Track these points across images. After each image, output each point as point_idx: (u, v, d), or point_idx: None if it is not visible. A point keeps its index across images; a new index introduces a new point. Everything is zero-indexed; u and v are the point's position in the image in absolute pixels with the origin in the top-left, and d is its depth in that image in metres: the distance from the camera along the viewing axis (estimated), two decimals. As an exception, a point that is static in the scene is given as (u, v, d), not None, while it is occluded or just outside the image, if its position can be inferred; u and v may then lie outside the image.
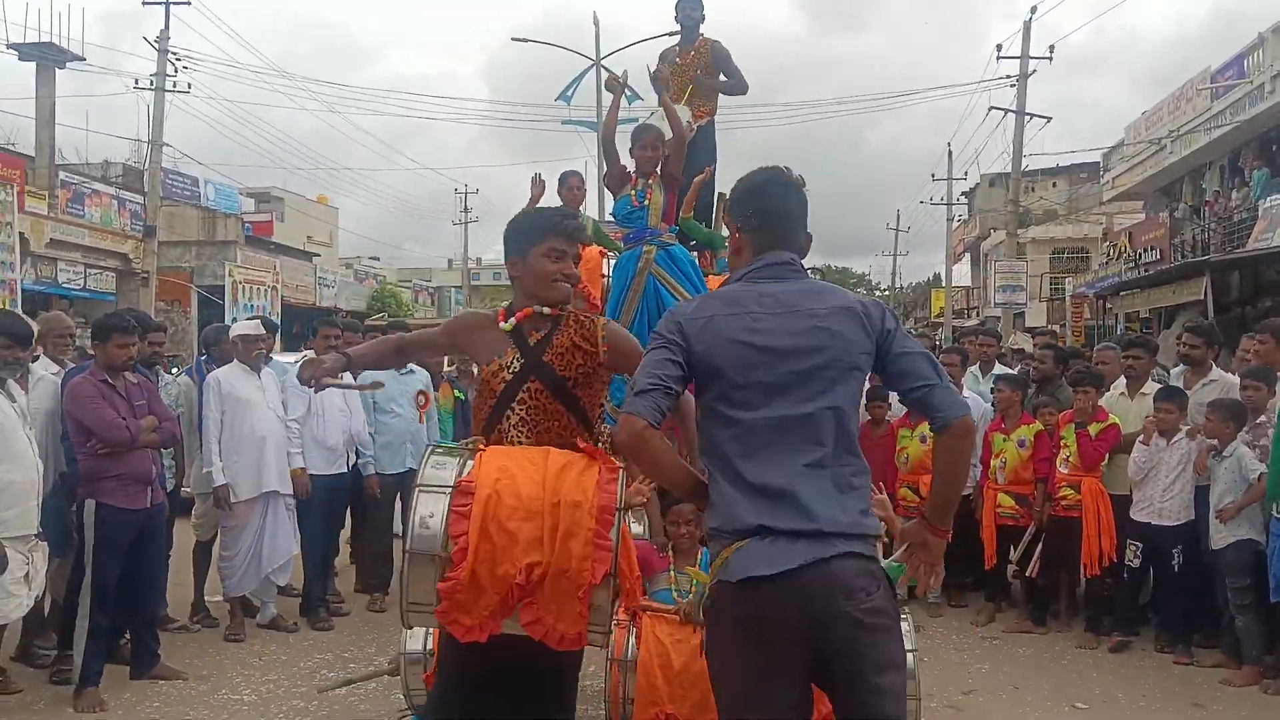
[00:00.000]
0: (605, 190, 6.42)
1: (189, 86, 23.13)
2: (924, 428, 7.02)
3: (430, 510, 2.65)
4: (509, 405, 3.03)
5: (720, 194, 6.58)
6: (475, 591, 2.63)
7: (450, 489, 2.67)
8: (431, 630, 3.93)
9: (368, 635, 6.48)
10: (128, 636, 5.59)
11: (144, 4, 22.52)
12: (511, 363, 3.05)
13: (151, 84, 22.53)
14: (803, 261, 2.73)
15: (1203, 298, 16.67)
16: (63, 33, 22.08)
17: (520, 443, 2.99)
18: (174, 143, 25.78)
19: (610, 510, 2.67)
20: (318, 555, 6.78)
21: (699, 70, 6.39)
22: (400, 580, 2.70)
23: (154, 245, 22.73)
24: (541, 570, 2.62)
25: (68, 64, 22.28)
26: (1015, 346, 14.08)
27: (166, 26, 22.45)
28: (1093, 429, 6.38)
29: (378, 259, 47.31)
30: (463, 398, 7.92)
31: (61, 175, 22.79)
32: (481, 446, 2.86)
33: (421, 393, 7.30)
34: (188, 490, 6.74)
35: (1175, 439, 5.95)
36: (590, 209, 6.71)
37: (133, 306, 16.66)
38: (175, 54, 22.66)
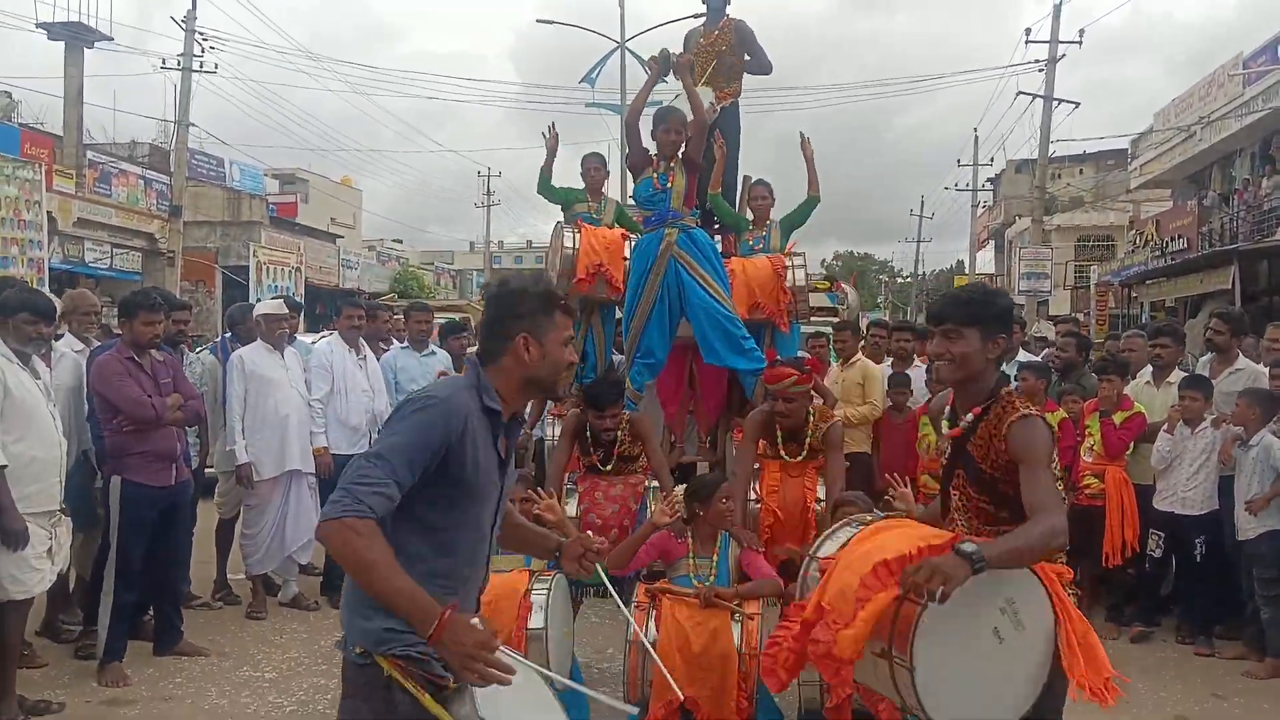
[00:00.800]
0: (627, 173, 6.39)
1: (215, 67, 23.25)
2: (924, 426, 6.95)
3: (813, 578, 3.02)
4: (948, 492, 3.03)
5: (745, 177, 6.55)
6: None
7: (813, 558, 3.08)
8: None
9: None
10: (151, 613, 5.65)
11: (170, -16, 22.60)
12: (946, 449, 3.04)
13: (179, 64, 22.63)
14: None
15: (1230, 287, 16.49)
16: (91, 12, 22.22)
17: (961, 526, 2.94)
18: (200, 123, 25.78)
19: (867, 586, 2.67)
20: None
21: (724, 48, 6.36)
22: None
23: (179, 225, 22.86)
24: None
25: (96, 43, 22.37)
26: (1039, 335, 13.97)
27: (194, 6, 22.53)
28: (1118, 418, 6.32)
29: (400, 241, 47.44)
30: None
31: (89, 155, 22.91)
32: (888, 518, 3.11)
33: (442, 373, 7.32)
34: (211, 468, 6.79)
35: (1200, 428, 5.89)
36: (612, 191, 6.68)
37: (158, 286, 16.79)
38: (202, 34, 22.75)
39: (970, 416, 2.90)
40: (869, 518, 3.04)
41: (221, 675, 5.26)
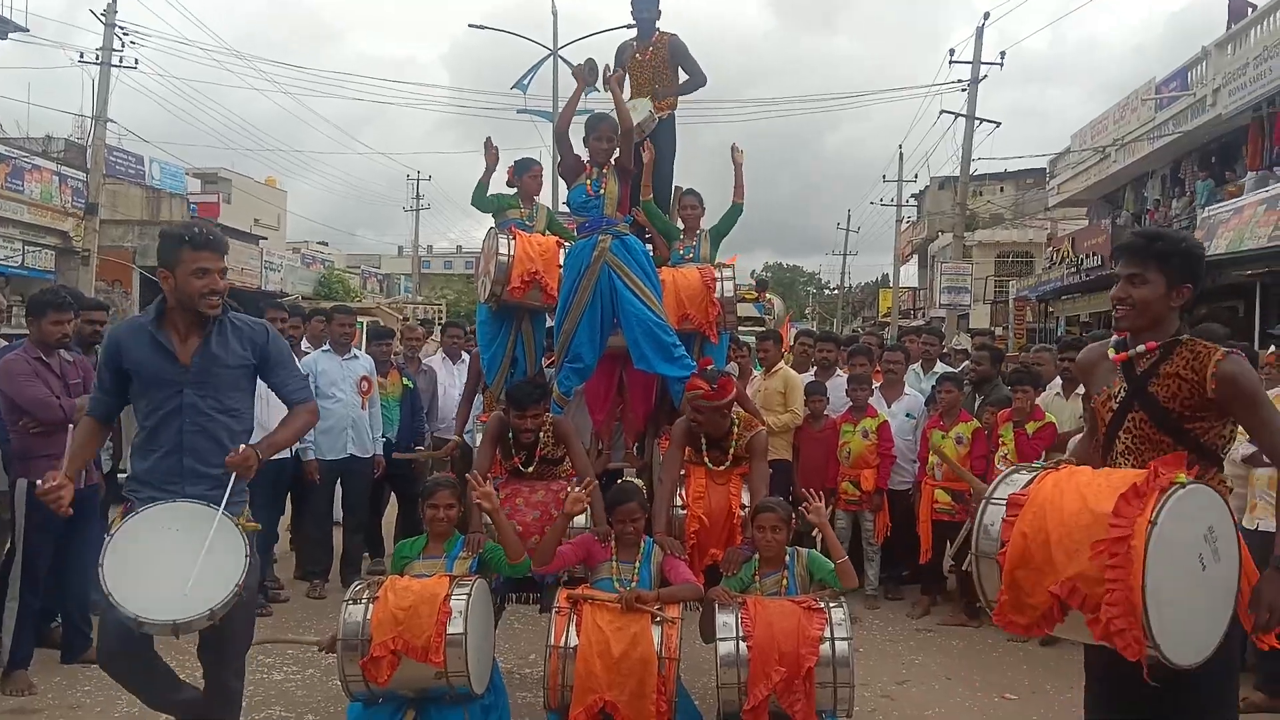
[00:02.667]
0: (559, 181, 6.39)
1: (135, 62, 22.66)
2: (866, 423, 7.13)
3: (993, 519, 2.89)
4: (1115, 435, 3.00)
5: (677, 187, 6.61)
6: (1020, 594, 2.75)
7: (1004, 502, 2.87)
8: (368, 616, 3.91)
9: (306, 621, 6.43)
10: (59, 620, 5.49)
11: (90, -25, 22.00)
12: (1118, 391, 3.01)
13: (97, 58, 22.02)
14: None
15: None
16: (6, 2, 21.50)
17: (1126, 468, 2.92)
18: (122, 121, 25.18)
19: (1122, 516, 2.61)
20: (258, 541, 6.68)
21: (659, 63, 6.41)
22: (974, 579, 2.94)
23: (95, 223, 22.24)
24: (1076, 582, 2.64)
25: (10, 34, 21.68)
26: (959, 347, 14.31)
27: (114, 0, 21.97)
28: (1030, 427, 6.52)
29: (326, 244, 46.72)
30: (411, 385, 7.86)
31: (1, 149, 22.19)
32: (1059, 467, 2.94)
33: (364, 378, 7.24)
34: (125, 472, 6.61)
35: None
36: (545, 198, 6.67)
37: (70, 285, 16.30)
38: (123, 28, 22.19)
39: (1143, 348, 2.94)
40: (1039, 465, 3.01)
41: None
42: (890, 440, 7.14)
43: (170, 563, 3.22)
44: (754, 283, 15.23)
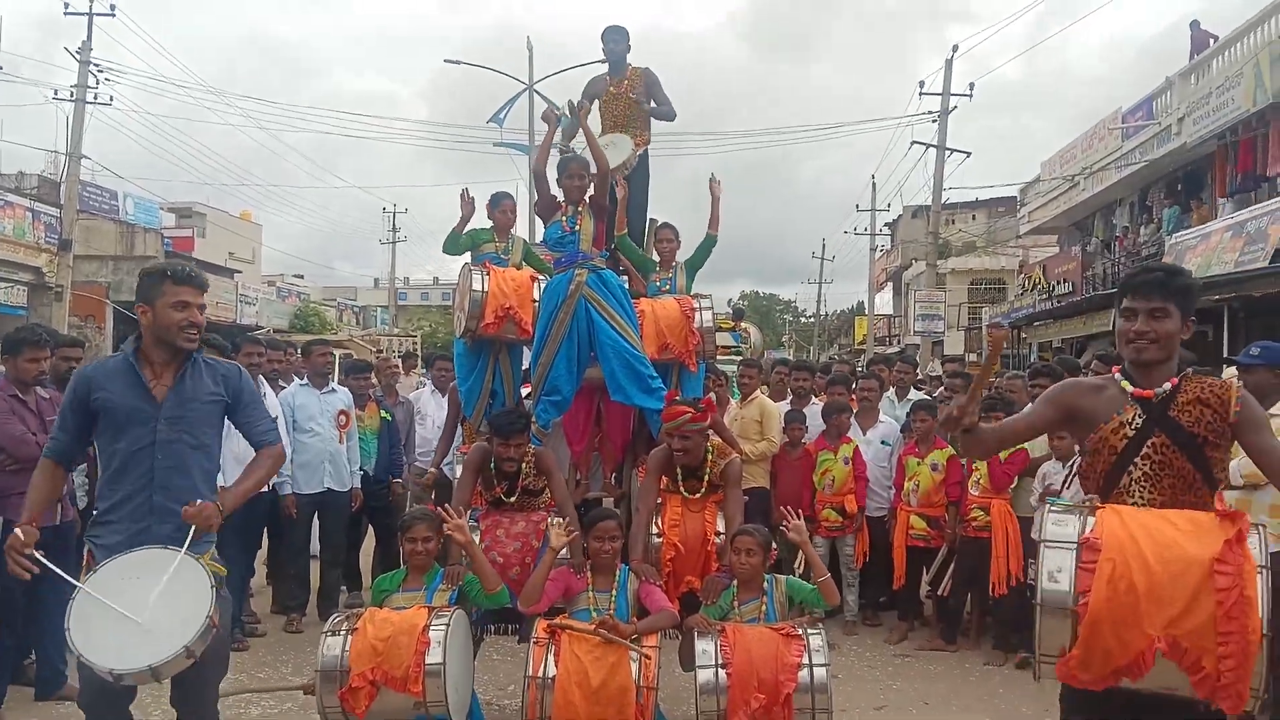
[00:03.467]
0: (537, 218, 6.48)
1: (110, 99, 22.65)
2: (846, 449, 7.18)
3: (1058, 565, 2.69)
4: (1130, 461, 2.99)
5: (652, 220, 6.70)
6: (1097, 648, 2.62)
7: (1075, 545, 2.70)
8: (347, 647, 3.92)
9: (284, 655, 6.39)
10: (33, 657, 5.44)
11: (66, 14, 22.05)
12: (1133, 419, 3.00)
13: (72, 95, 22.01)
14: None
15: (1111, 329, 17.27)
16: (-23, 39, 21.49)
17: (1141, 497, 2.95)
18: (96, 156, 25.16)
19: (1228, 562, 2.57)
20: (234, 575, 6.64)
21: (633, 96, 6.52)
22: (1035, 632, 2.72)
23: (69, 259, 22.10)
24: (1179, 634, 2.55)
25: (-19, 71, 21.67)
26: (934, 374, 14.44)
27: (89, 37, 22.00)
28: (1002, 453, 6.59)
29: (302, 276, 46.63)
30: (389, 419, 7.87)
31: (-29, 185, 22.09)
32: (1098, 504, 2.87)
33: (342, 412, 7.24)
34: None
35: (1071, 462, 6.18)
36: (521, 231, 6.75)
37: (43, 322, 16.20)
38: (97, 65, 22.19)
39: (1169, 386, 2.98)
40: (1066, 501, 3.05)
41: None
42: (863, 463, 7.22)
43: (137, 610, 3.21)
44: (730, 312, 15.31)
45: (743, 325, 14.63)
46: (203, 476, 3.53)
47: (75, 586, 3.26)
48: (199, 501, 3.42)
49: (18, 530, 3.37)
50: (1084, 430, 3.10)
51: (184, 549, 3.32)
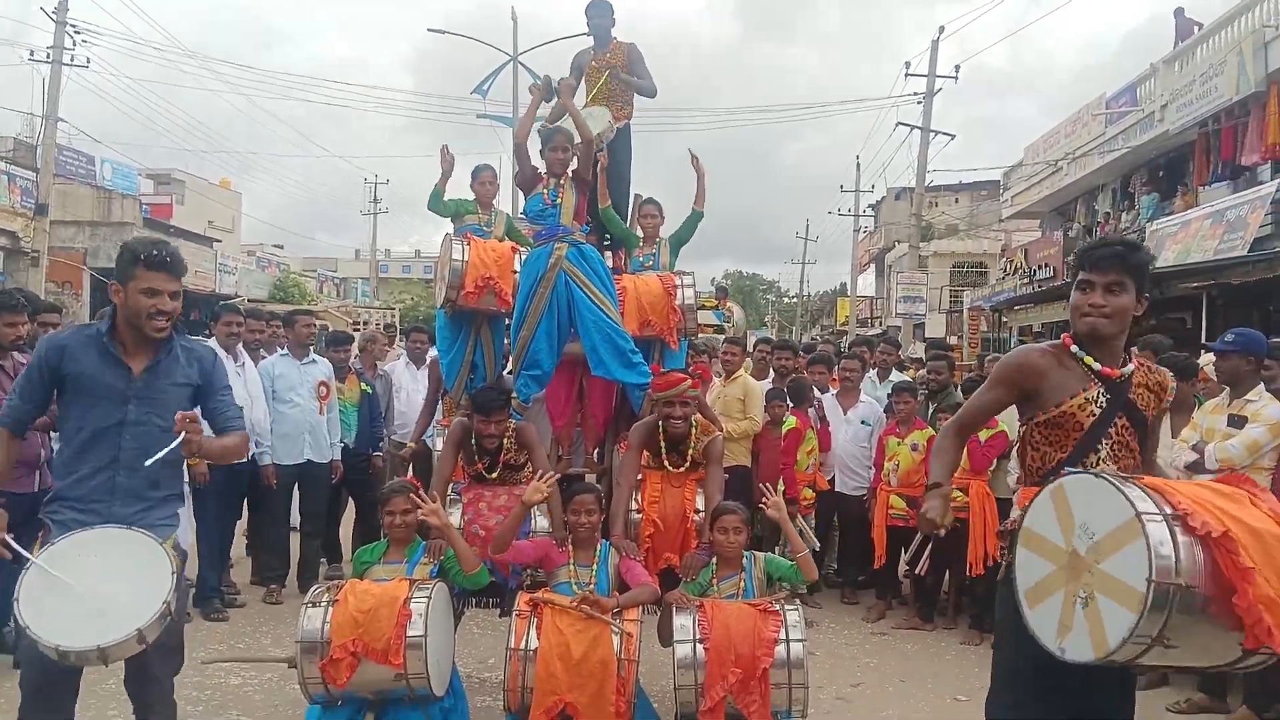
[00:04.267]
0: (519, 190, 6.44)
1: (88, 61, 22.33)
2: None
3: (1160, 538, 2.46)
4: (1099, 439, 3.05)
5: (637, 195, 6.67)
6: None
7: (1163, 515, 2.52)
8: (328, 618, 3.91)
9: (263, 626, 6.39)
10: (12, 625, 5.40)
11: (42, -28, 21.68)
12: (1098, 397, 3.05)
13: (47, 56, 21.68)
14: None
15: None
16: (-48, -1, 21.12)
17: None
18: (73, 120, 24.78)
19: None
20: (214, 546, 6.65)
21: (615, 66, 6.48)
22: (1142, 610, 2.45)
23: (45, 224, 21.85)
24: None
25: (-44, 32, 21.29)
26: (915, 356, 14.50)
27: (65, -2, 21.67)
28: (982, 435, 6.64)
29: (281, 247, 46.27)
30: (370, 391, 7.84)
31: (-54, 147, 21.78)
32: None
33: (323, 383, 7.21)
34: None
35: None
36: (503, 203, 6.72)
37: (21, 286, 16.00)
38: (74, 26, 21.86)
39: (1131, 368, 3.08)
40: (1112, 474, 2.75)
41: (87, 688, 4.94)
42: (828, 440, 7.44)
43: (92, 588, 3.08)
44: (715, 290, 15.32)
45: (727, 305, 14.64)
46: (167, 462, 3.36)
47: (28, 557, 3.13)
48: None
49: None
50: (1042, 404, 3.10)
51: (159, 456, 3.24)
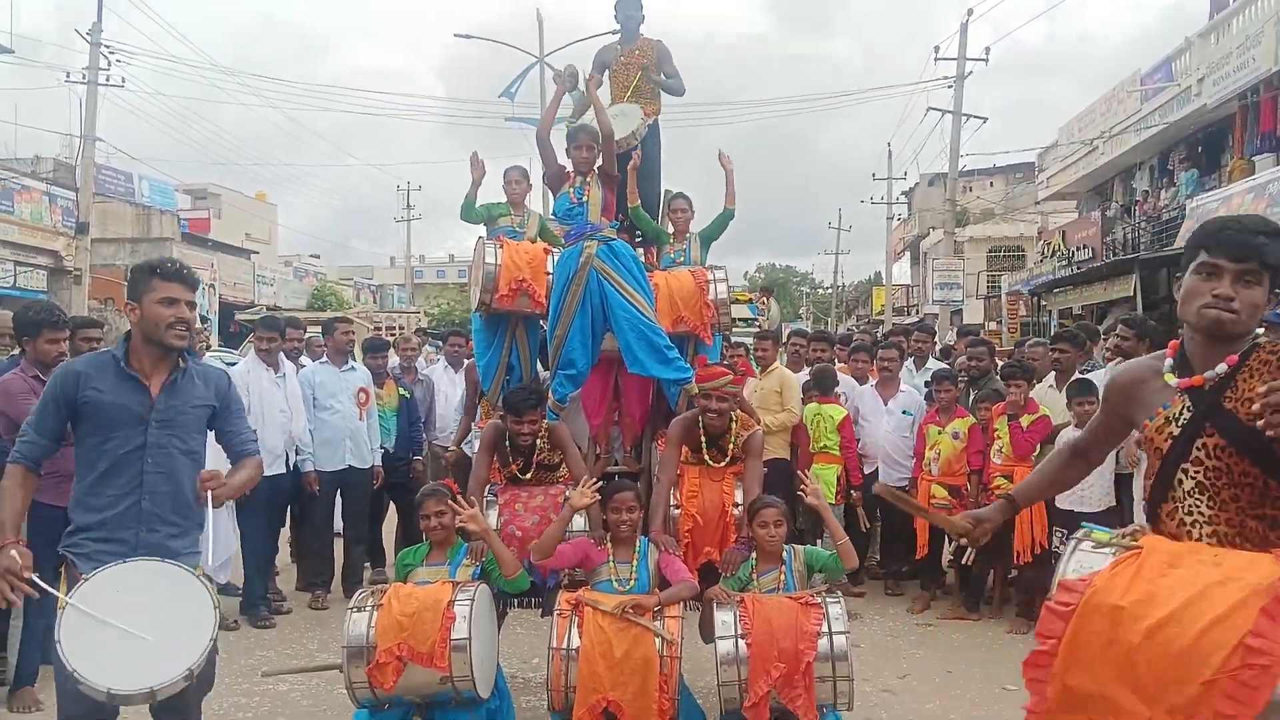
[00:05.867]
0: (545, 184, 6.44)
1: (123, 81, 22.70)
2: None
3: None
4: (1178, 467, 2.36)
5: (666, 190, 6.65)
6: (1063, 700, 2.21)
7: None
8: (373, 623, 3.94)
9: (309, 633, 6.45)
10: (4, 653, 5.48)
11: (75, -5, 22.10)
12: (1180, 412, 2.39)
13: (84, 77, 22.05)
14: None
15: (1132, 295, 17.16)
16: (-10, 24, 21.55)
17: (1199, 514, 2.31)
18: (110, 139, 25.22)
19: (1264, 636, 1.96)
20: (259, 553, 6.74)
21: (646, 64, 6.46)
22: None
23: (86, 242, 22.22)
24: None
25: (-5, 56, 21.74)
26: (951, 343, 14.35)
27: (99, 18, 22.02)
28: (1024, 420, 6.57)
29: (318, 256, 46.78)
30: (408, 396, 7.89)
31: (-11, 170, 22.22)
32: (1139, 542, 2.30)
33: (362, 389, 7.27)
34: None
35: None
36: (534, 203, 6.72)
37: (62, 305, 16.31)
38: (109, 47, 22.23)
39: (1224, 367, 2.34)
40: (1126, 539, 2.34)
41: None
42: (851, 433, 7.36)
43: (135, 626, 3.01)
44: (757, 287, 15.18)
45: (764, 298, 14.56)
46: (190, 485, 3.36)
47: (59, 598, 3.04)
48: (211, 471, 3.35)
49: (14, 553, 3.07)
50: (1140, 428, 2.57)
51: (208, 550, 3.26)
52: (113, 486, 3.31)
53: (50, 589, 3.08)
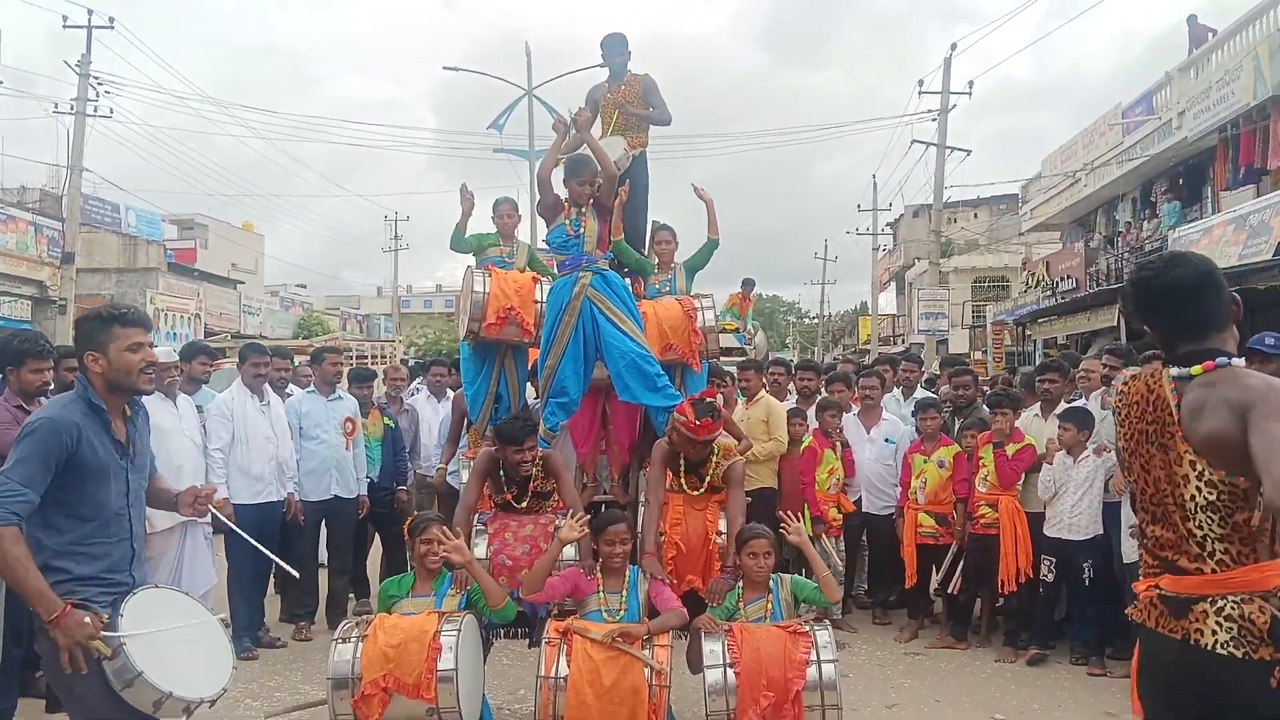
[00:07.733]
0: (537, 217, 6.48)
1: (110, 112, 22.74)
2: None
3: None
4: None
5: (653, 222, 6.70)
6: None
7: None
8: (358, 654, 3.92)
9: (294, 664, 6.39)
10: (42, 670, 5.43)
11: (65, 27, 22.15)
12: None
13: (72, 108, 22.08)
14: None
15: (1116, 324, 17.27)
16: (-23, 55, 21.60)
17: None
18: (97, 169, 25.25)
19: None
20: (246, 585, 6.67)
21: (620, 104, 6.53)
22: None
23: (72, 272, 22.16)
24: None
25: (-19, 87, 21.76)
26: (936, 373, 14.41)
27: (88, 50, 22.10)
28: (1010, 449, 6.59)
29: (304, 286, 46.76)
30: (393, 425, 7.87)
31: (-26, 200, 22.18)
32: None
33: (349, 419, 7.25)
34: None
35: (1082, 456, 6.19)
36: (523, 235, 6.76)
37: (47, 335, 16.21)
38: (97, 78, 22.27)
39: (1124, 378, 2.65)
40: None
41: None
42: (852, 465, 7.31)
43: (179, 644, 3.23)
44: (741, 282, 15.08)
45: (748, 328, 14.56)
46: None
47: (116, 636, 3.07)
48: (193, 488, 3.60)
49: (86, 619, 2.99)
50: None
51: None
52: (109, 535, 3.23)
53: (116, 635, 3.06)
